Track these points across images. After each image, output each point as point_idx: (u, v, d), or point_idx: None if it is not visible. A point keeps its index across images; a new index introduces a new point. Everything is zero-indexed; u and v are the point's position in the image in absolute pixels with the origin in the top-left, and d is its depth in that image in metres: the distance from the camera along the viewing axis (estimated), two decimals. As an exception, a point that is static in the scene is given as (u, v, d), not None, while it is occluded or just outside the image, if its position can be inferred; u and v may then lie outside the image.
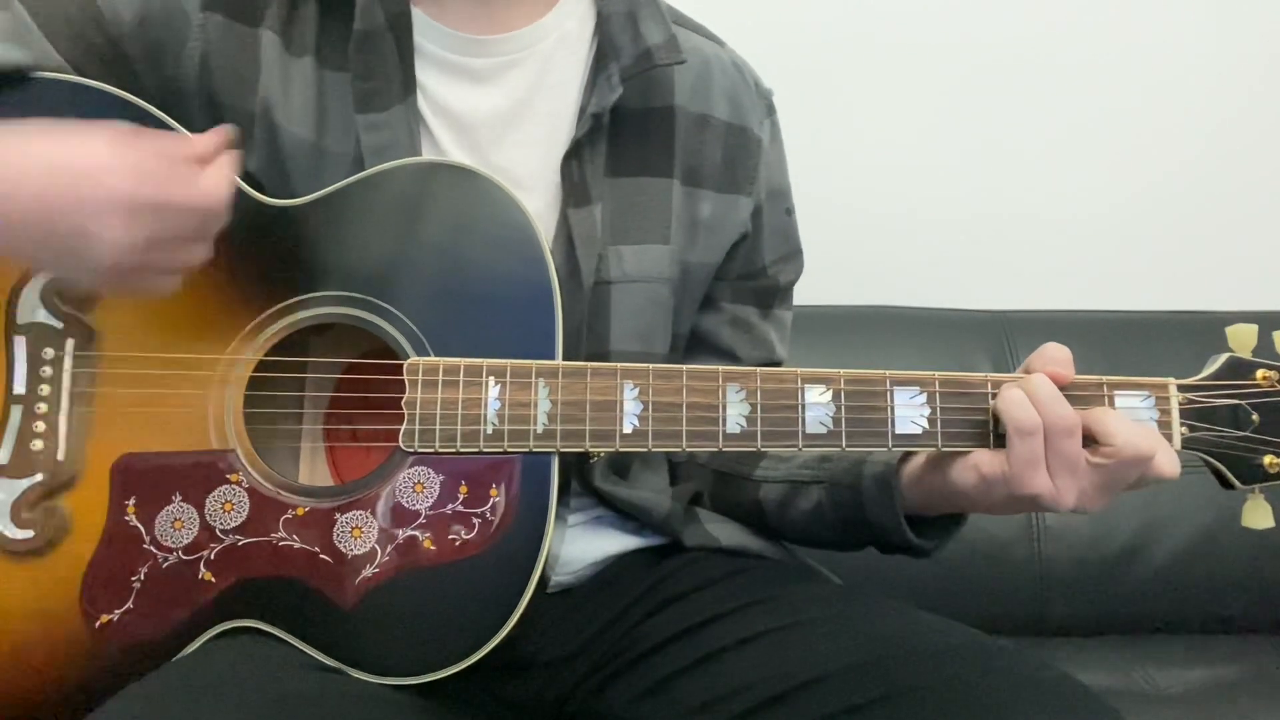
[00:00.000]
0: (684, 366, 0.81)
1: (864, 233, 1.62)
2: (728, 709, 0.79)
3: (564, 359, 0.81)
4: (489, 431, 0.79)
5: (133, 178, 0.72)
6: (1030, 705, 0.71)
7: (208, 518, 0.79)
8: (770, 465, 0.97)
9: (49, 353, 0.81)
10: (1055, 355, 0.80)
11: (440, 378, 0.80)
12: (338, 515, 0.79)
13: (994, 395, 0.79)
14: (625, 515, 0.95)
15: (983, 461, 0.79)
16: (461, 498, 0.79)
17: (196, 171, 0.75)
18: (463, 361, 0.80)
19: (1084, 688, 0.74)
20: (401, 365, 0.80)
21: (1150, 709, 1.24)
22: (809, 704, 0.76)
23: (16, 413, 0.81)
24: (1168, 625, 1.42)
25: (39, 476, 0.80)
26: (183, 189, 0.74)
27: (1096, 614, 1.42)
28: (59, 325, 0.81)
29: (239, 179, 0.84)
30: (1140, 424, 0.79)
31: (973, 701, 0.72)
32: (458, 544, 0.78)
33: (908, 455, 0.86)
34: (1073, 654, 1.33)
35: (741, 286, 1.02)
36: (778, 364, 1.04)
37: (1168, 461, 0.77)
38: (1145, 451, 0.75)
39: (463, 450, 0.79)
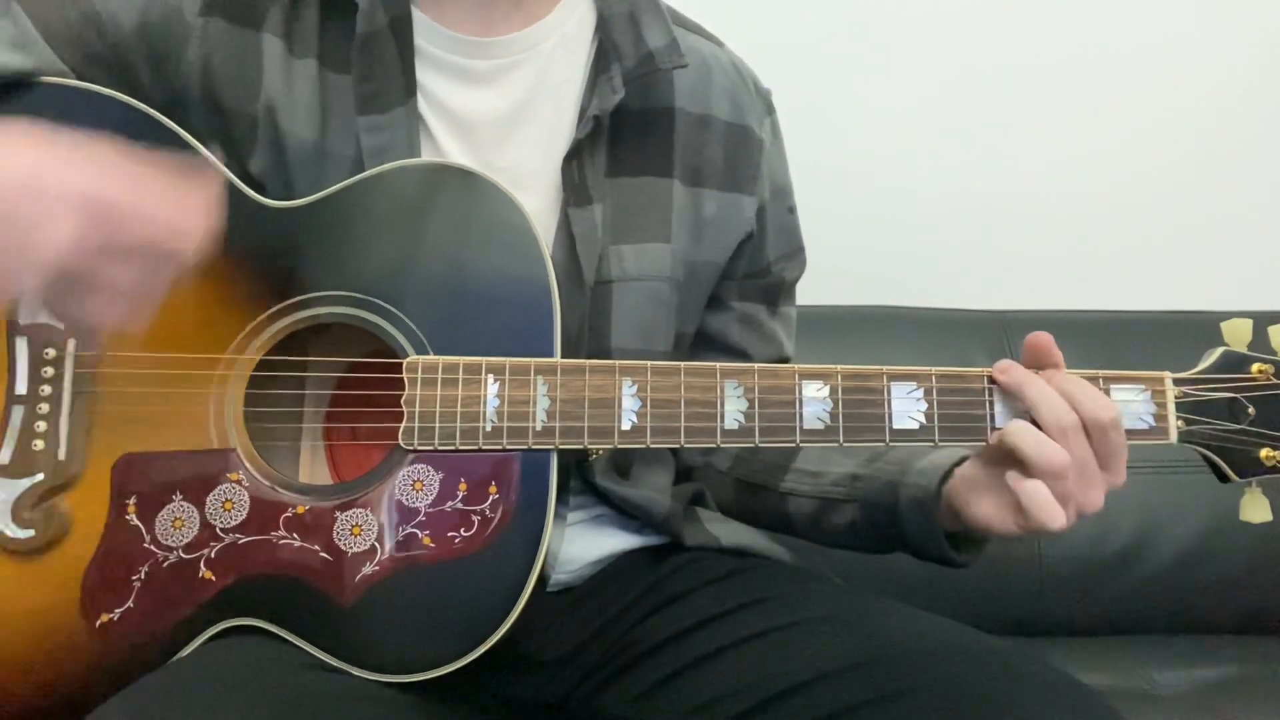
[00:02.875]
0: (682, 363, 0.81)
1: (864, 232, 1.62)
2: (728, 709, 0.79)
3: (566, 357, 0.81)
4: (488, 429, 0.79)
5: (101, 174, 0.69)
6: (1030, 705, 0.71)
7: (208, 516, 0.79)
8: (797, 479, 0.97)
9: (50, 352, 0.82)
10: (1039, 340, 0.81)
11: (439, 376, 0.80)
12: (338, 513, 0.79)
13: (991, 391, 0.80)
14: (625, 514, 0.95)
15: (990, 524, 0.81)
16: (461, 495, 0.79)
17: (182, 190, 0.71)
18: (462, 360, 0.80)
19: (1084, 687, 0.74)
20: (401, 364, 0.80)
21: (1150, 709, 1.24)
22: (809, 704, 0.76)
23: (18, 413, 0.81)
24: (1168, 625, 1.42)
25: (39, 476, 0.80)
26: (158, 202, 0.70)
27: (1096, 614, 1.42)
28: (60, 325, 0.82)
29: (238, 183, 0.84)
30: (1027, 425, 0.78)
31: (972, 701, 0.72)
32: (457, 542, 0.78)
33: (945, 479, 0.86)
34: (1073, 654, 1.32)
35: (748, 285, 1.03)
36: (786, 359, 1.05)
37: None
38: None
39: (462, 448, 0.79)
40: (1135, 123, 1.64)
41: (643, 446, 0.80)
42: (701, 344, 1.02)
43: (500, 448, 0.79)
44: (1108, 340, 1.46)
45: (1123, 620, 1.42)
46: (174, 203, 0.70)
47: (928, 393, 0.80)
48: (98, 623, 0.79)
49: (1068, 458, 0.75)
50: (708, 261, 0.98)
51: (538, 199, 0.91)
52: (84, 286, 0.69)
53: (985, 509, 0.81)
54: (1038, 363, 0.81)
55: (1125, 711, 0.73)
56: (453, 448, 0.79)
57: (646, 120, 0.95)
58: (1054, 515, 0.75)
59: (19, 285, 0.68)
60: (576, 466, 0.92)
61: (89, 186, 0.68)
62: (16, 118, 0.73)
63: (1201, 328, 0.85)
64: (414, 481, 0.79)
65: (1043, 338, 0.81)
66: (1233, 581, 1.41)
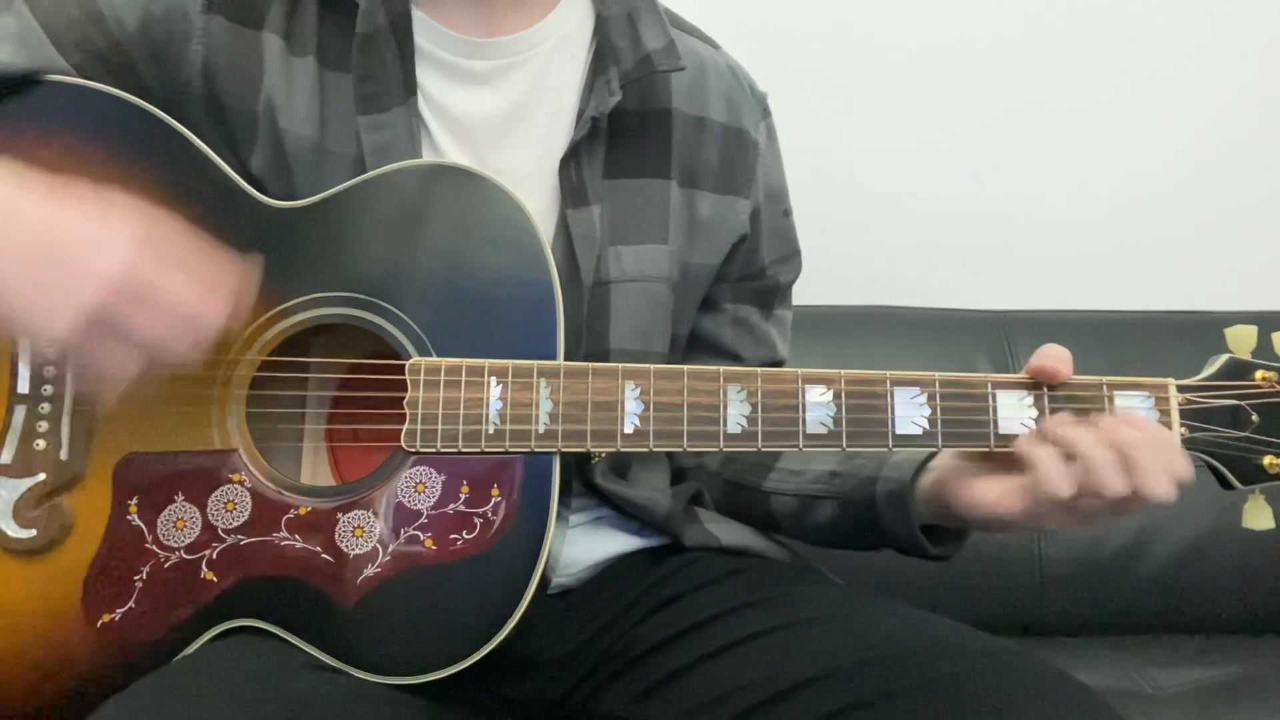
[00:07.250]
0: (685, 367, 0.81)
1: (864, 232, 1.62)
2: (728, 709, 0.79)
3: (564, 358, 0.81)
4: (490, 431, 0.79)
5: (159, 219, 0.73)
6: (1029, 704, 0.72)
7: (210, 517, 0.79)
8: (780, 478, 0.98)
9: (52, 352, 0.82)
10: (1055, 354, 0.80)
11: (442, 378, 0.80)
12: (339, 515, 0.79)
13: (993, 397, 0.80)
14: (626, 515, 0.95)
15: (992, 503, 0.80)
16: (463, 498, 0.79)
17: (224, 261, 0.76)
18: (464, 362, 0.80)
19: (1084, 687, 0.74)
20: (403, 365, 0.80)
21: (1150, 709, 1.24)
22: (809, 703, 0.76)
23: (20, 412, 0.81)
24: (1168, 625, 1.42)
25: (41, 476, 0.80)
26: (206, 257, 0.75)
27: (1096, 614, 1.42)
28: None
29: (240, 183, 0.85)
30: (1162, 458, 0.77)
31: (972, 701, 0.72)
32: (459, 544, 0.78)
33: (919, 472, 0.86)
34: (1073, 654, 1.33)
35: (742, 287, 1.03)
36: (780, 363, 1.05)
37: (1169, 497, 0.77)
38: (1164, 500, 0.76)
39: (464, 450, 0.79)
40: (1136, 122, 1.64)
41: (645, 450, 0.80)
42: (694, 345, 1.02)
43: (503, 450, 0.79)
44: (1108, 341, 1.46)
45: (1123, 620, 1.42)
46: (227, 263, 0.76)
47: (931, 398, 0.80)
48: (99, 623, 0.79)
49: (1070, 490, 0.76)
50: (701, 263, 0.98)
51: (536, 200, 0.90)
52: (117, 325, 0.71)
53: (985, 490, 0.80)
54: (1044, 374, 0.80)
55: (1125, 711, 0.73)
56: (455, 450, 0.79)
57: (644, 122, 0.95)
58: (1062, 485, 0.75)
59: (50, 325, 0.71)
60: (578, 468, 0.92)
61: (144, 220, 0.73)
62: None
63: (1203, 328, 0.85)
64: (416, 483, 0.79)
65: (1059, 355, 0.80)
66: (1232, 582, 1.41)
